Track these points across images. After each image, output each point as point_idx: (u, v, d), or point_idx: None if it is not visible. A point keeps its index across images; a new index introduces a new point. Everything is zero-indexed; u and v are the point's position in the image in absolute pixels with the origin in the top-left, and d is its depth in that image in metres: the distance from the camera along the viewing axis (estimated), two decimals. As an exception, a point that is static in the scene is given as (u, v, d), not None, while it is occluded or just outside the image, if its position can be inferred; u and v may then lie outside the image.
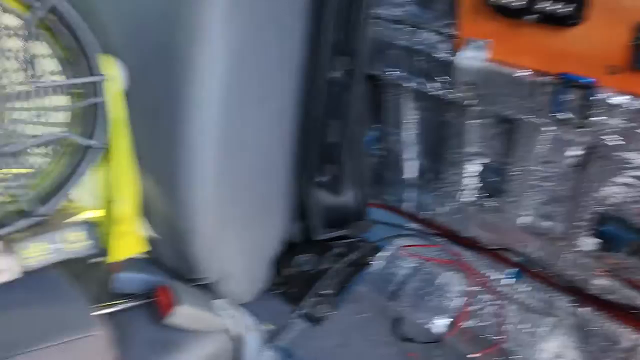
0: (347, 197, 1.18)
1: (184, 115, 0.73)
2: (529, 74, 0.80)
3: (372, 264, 1.18)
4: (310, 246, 1.10)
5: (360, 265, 1.17)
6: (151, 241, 0.93)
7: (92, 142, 0.75)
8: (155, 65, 0.74)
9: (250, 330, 0.98)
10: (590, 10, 0.70)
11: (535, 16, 0.71)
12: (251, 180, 0.88)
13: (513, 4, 0.71)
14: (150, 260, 1.00)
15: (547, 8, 0.69)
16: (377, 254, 1.19)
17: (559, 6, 0.69)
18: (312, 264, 1.06)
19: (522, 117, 0.84)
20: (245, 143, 0.83)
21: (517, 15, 0.73)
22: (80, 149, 0.78)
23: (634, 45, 0.69)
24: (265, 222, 0.97)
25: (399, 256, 1.19)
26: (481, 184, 1.10)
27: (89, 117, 0.75)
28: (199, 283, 0.93)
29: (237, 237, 0.90)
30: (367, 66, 0.99)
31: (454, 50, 0.86)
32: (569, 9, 0.68)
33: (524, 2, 0.71)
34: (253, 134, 0.84)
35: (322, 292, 1.10)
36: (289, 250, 1.10)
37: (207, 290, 0.95)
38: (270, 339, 1.04)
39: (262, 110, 0.83)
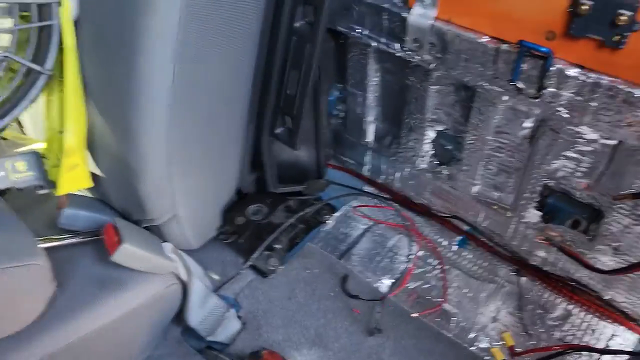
0: (305, 155, 1.18)
1: (137, 47, 0.70)
2: (490, 40, 0.80)
3: (325, 222, 1.19)
4: (264, 198, 1.10)
5: (314, 222, 1.18)
6: (100, 179, 0.92)
7: (36, 67, 0.73)
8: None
9: (196, 277, 0.98)
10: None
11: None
12: (206, 124, 0.87)
13: None
14: (98, 199, 0.99)
15: None
16: (331, 214, 1.20)
17: None
18: (263, 215, 1.06)
19: (480, 84, 0.85)
20: (201, 83, 0.81)
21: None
22: (30, 75, 0.76)
23: (570, 12, 0.70)
24: (218, 168, 0.97)
25: (352, 217, 1.20)
26: (437, 152, 1.11)
27: (38, 41, 0.72)
28: (147, 225, 0.92)
29: (187, 181, 0.90)
30: (333, 22, 0.98)
31: (408, 7, 0.86)
32: None
33: None
34: (210, 75, 0.82)
35: (273, 245, 1.10)
36: (242, 200, 1.10)
37: (155, 232, 0.95)
38: (217, 288, 1.05)
39: (222, 52, 0.81)
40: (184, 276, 0.93)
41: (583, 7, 0.68)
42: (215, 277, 1.07)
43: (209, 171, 0.94)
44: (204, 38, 0.76)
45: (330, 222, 1.19)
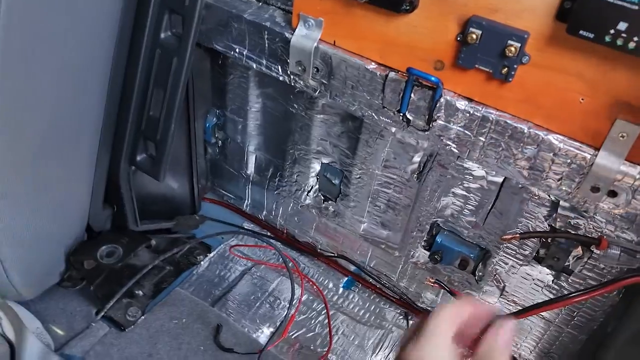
0: (177, 186, 1.04)
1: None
2: (378, 67, 0.74)
3: (198, 264, 1.05)
4: (121, 237, 0.94)
5: (184, 264, 1.04)
6: None
7: None
8: None
9: (32, 334, 0.80)
10: (422, -1, 0.66)
11: (367, -4, 0.66)
12: (42, 150, 0.71)
13: None
14: None
15: None
16: (206, 254, 1.07)
17: None
18: (118, 257, 0.90)
19: (368, 114, 0.78)
20: (33, 103, 0.66)
21: (350, -6, 0.68)
22: None
23: (458, 41, 0.66)
24: (58, 202, 0.80)
25: (229, 257, 1.08)
26: (322, 186, 1.03)
27: None
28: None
29: (16, 219, 0.72)
30: (209, 39, 0.88)
31: (291, 28, 0.78)
32: None
33: None
34: (45, 94, 0.67)
35: (134, 291, 0.95)
36: (93, 240, 0.93)
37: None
38: (62, 345, 0.87)
39: (59, 66, 0.67)
40: (10, 334, 0.75)
41: (471, 36, 0.63)
42: (60, 332, 0.89)
43: (45, 206, 0.77)
44: (30, 48, 0.61)
45: (204, 264, 1.06)
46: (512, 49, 0.61)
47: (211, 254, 1.07)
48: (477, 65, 0.66)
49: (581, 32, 0.54)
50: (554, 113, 0.64)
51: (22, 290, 0.79)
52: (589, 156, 0.64)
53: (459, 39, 0.66)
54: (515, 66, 0.63)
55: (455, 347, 0.48)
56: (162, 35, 0.75)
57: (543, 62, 0.61)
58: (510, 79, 0.64)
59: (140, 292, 0.95)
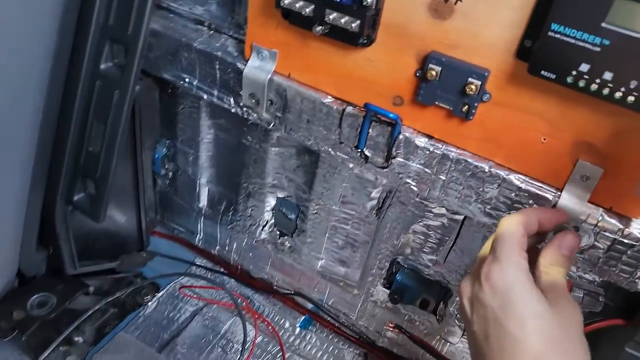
0: (122, 222, 0.98)
1: None
2: (334, 101, 0.70)
3: (145, 304, 0.98)
4: (56, 283, 0.86)
5: (130, 305, 0.97)
6: None
7: None
8: None
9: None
10: (380, 32, 0.63)
11: (324, 28, 0.62)
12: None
13: (302, 10, 0.61)
14: None
15: (336, 21, 0.60)
16: (154, 293, 1.00)
17: (345, 20, 0.60)
18: (51, 307, 0.82)
19: (324, 149, 0.75)
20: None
21: (307, 25, 0.64)
22: None
23: (418, 77, 0.63)
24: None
25: (180, 297, 1.01)
26: (278, 221, 0.99)
27: None
28: None
29: None
30: (157, 68, 0.83)
31: (244, 59, 0.74)
32: (354, 24, 0.60)
33: (311, 11, 0.61)
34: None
35: (73, 338, 0.87)
36: (24, 287, 0.84)
37: None
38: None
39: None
40: None
41: (431, 73, 0.60)
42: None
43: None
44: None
45: (152, 304, 0.99)
46: (473, 86, 0.59)
47: (159, 294, 1.01)
48: (437, 102, 0.63)
49: (543, 72, 0.53)
50: (516, 152, 0.62)
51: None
52: (551, 197, 0.62)
53: (418, 74, 0.63)
54: (475, 104, 0.61)
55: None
56: (103, 66, 0.69)
57: (504, 101, 0.59)
58: (471, 117, 0.62)
59: (80, 339, 0.88)
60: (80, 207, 0.77)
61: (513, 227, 0.51)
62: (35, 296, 0.82)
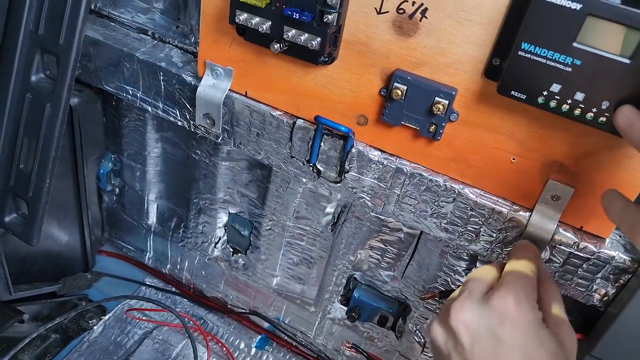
0: (63, 243, 0.92)
1: None
2: (284, 114, 0.67)
3: (90, 329, 0.92)
4: (-12, 310, 0.80)
5: (74, 330, 0.91)
6: None
7: None
8: None
9: None
10: (342, 49, 0.60)
11: (282, 46, 0.59)
12: None
13: (258, 27, 0.58)
14: None
15: (295, 39, 0.57)
16: (100, 317, 0.95)
17: (304, 38, 0.57)
18: (-20, 338, 0.76)
19: (276, 163, 0.72)
20: None
21: (264, 43, 0.61)
22: None
23: (382, 96, 0.61)
24: None
25: (127, 319, 0.96)
26: (231, 238, 0.95)
27: None
28: None
29: None
30: (99, 79, 0.78)
31: (198, 75, 0.70)
32: (315, 42, 0.57)
33: (268, 28, 0.58)
34: None
35: (10, 370, 0.81)
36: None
37: None
38: None
39: None
40: None
41: (396, 92, 0.58)
42: None
43: None
44: None
45: (98, 329, 0.93)
46: (440, 106, 0.56)
47: (106, 317, 0.95)
48: (403, 122, 0.60)
49: (513, 92, 0.51)
50: (485, 173, 0.60)
51: None
52: (506, 211, 0.60)
53: (382, 93, 0.60)
54: (443, 124, 0.58)
55: None
56: (33, 78, 0.64)
57: (473, 120, 0.57)
58: (439, 138, 0.60)
59: (17, 369, 0.82)
60: (11, 229, 0.71)
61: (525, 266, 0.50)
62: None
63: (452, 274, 0.75)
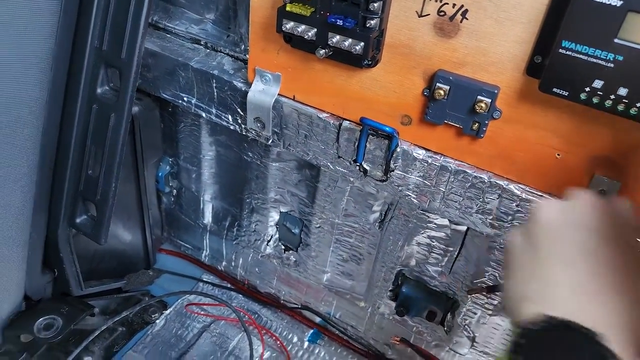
0: (128, 241, 0.98)
1: None
2: (330, 116, 0.70)
3: (153, 322, 0.98)
4: (62, 305, 0.87)
5: (139, 324, 0.97)
6: None
7: None
8: None
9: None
10: (385, 52, 0.62)
11: (327, 51, 0.62)
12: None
13: (304, 34, 0.61)
14: None
15: (339, 44, 0.60)
16: (162, 312, 1.00)
17: (348, 43, 0.60)
18: (57, 330, 0.82)
19: (324, 163, 0.75)
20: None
21: (310, 49, 0.63)
22: None
23: (426, 96, 0.62)
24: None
25: (187, 314, 1.01)
26: (282, 236, 0.99)
27: None
28: None
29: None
30: (156, 88, 0.83)
31: (248, 81, 0.73)
32: (358, 47, 0.59)
33: (313, 35, 0.61)
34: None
35: (83, 359, 0.88)
36: (30, 310, 0.85)
37: None
38: None
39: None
40: None
41: (439, 92, 0.59)
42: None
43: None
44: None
45: (160, 322, 0.99)
46: (482, 104, 0.57)
47: (167, 311, 1.01)
48: (446, 121, 0.62)
49: (555, 89, 0.51)
50: (530, 168, 0.61)
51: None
52: (552, 206, 0.60)
53: (425, 94, 0.62)
54: (486, 122, 0.59)
55: None
56: (99, 90, 0.70)
57: (515, 117, 0.58)
58: (482, 135, 0.60)
59: (90, 358, 0.88)
60: (82, 229, 0.77)
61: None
62: (41, 319, 0.83)
63: (501, 269, 0.75)
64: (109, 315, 0.92)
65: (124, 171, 0.81)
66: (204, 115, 0.82)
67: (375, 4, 0.56)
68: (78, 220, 0.77)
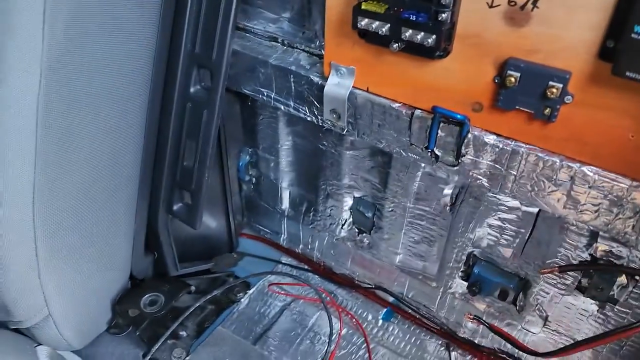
0: (214, 226, 1.07)
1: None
2: (403, 106, 0.74)
3: (238, 301, 1.07)
4: (162, 284, 0.96)
5: (225, 302, 1.06)
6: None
7: None
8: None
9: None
10: (456, 43, 0.65)
11: (400, 45, 0.66)
12: (83, 205, 0.75)
13: (378, 30, 0.65)
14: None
15: (412, 38, 0.63)
16: (245, 291, 1.09)
17: (421, 36, 0.63)
18: (160, 305, 0.92)
19: (396, 150, 0.79)
20: (73, 161, 0.69)
21: (383, 43, 0.68)
22: None
23: (496, 83, 0.65)
24: (101, 255, 0.83)
25: (269, 293, 1.09)
26: (356, 219, 1.04)
27: None
28: (15, 327, 0.77)
29: (62, 272, 0.75)
30: (237, 84, 0.90)
31: (324, 75, 0.79)
32: (430, 40, 0.63)
33: (387, 30, 0.65)
34: (84, 151, 0.70)
35: (178, 332, 0.97)
36: (136, 288, 0.95)
37: (27, 334, 0.79)
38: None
39: (97, 124, 0.70)
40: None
41: (510, 79, 0.62)
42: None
43: (88, 260, 0.80)
44: (72, 114, 0.65)
45: (244, 301, 1.07)
46: (554, 89, 0.59)
47: (250, 291, 1.09)
48: (517, 107, 0.64)
49: (628, 73, 0.52)
50: (603, 151, 0.62)
51: (72, 341, 0.82)
52: (627, 186, 0.62)
53: (496, 81, 0.64)
54: (558, 106, 0.61)
55: None
56: (192, 90, 0.77)
57: (587, 101, 0.59)
58: (554, 119, 0.62)
59: (184, 333, 0.98)
60: (179, 216, 0.86)
61: None
62: (146, 296, 0.92)
63: (573, 249, 0.77)
64: (200, 294, 1.01)
65: (211, 163, 0.89)
66: (282, 108, 0.88)
67: (447, -2, 0.60)
68: (175, 208, 0.86)
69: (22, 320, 0.74)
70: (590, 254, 0.76)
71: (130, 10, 0.69)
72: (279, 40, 0.88)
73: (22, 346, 0.75)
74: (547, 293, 0.84)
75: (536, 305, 0.86)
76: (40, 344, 0.78)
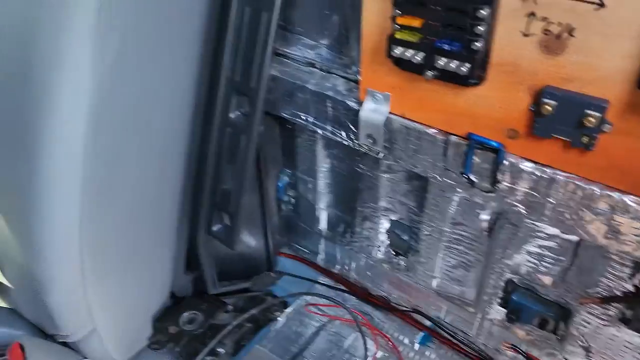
0: (253, 245, 1.09)
1: (41, 151, 0.62)
2: (439, 132, 0.74)
3: (275, 320, 1.08)
4: (201, 302, 0.99)
5: (263, 320, 1.08)
6: (9, 290, 0.81)
7: None
8: (6, 94, 0.63)
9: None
10: (490, 71, 0.65)
11: (434, 73, 0.66)
12: (127, 226, 0.78)
13: (412, 58, 0.66)
14: (10, 309, 0.87)
15: (446, 66, 0.64)
16: (282, 309, 1.10)
17: (455, 65, 0.63)
18: (199, 323, 0.95)
19: (432, 175, 0.79)
20: (119, 185, 0.73)
21: (417, 71, 0.68)
22: None
23: (532, 111, 0.64)
24: (144, 273, 0.87)
25: (305, 313, 1.10)
26: (393, 242, 1.04)
27: None
28: (63, 340, 0.81)
29: (106, 290, 0.79)
30: (276, 108, 0.92)
31: (360, 100, 0.80)
32: (464, 68, 0.63)
33: (421, 58, 0.65)
34: (130, 175, 0.74)
35: (216, 350, 0.99)
36: (176, 306, 0.99)
37: (73, 348, 0.83)
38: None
39: (143, 150, 0.74)
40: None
41: (546, 108, 0.61)
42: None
43: (132, 277, 0.84)
44: (119, 140, 0.69)
45: (281, 320, 1.09)
46: (591, 118, 0.58)
47: (288, 310, 1.10)
48: (554, 135, 0.63)
49: None
50: None
51: (116, 355, 0.86)
52: (669, 218, 0.60)
53: (532, 109, 0.63)
54: (595, 135, 0.60)
55: None
56: (231, 115, 0.80)
57: (627, 130, 0.58)
58: (592, 148, 0.61)
59: (223, 350, 1.00)
60: (218, 236, 0.89)
61: None
62: (185, 314, 0.95)
63: (615, 279, 0.75)
64: (238, 312, 1.03)
65: (250, 183, 0.91)
66: (319, 131, 0.89)
67: (481, 28, 0.60)
68: (214, 229, 0.88)
69: (68, 334, 0.78)
70: (634, 285, 0.73)
71: (175, 42, 0.72)
72: (317, 66, 0.90)
73: (69, 359, 0.79)
74: (589, 323, 0.81)
75: (578, 336, 0.84)
76: (86, 357, 0.82)
